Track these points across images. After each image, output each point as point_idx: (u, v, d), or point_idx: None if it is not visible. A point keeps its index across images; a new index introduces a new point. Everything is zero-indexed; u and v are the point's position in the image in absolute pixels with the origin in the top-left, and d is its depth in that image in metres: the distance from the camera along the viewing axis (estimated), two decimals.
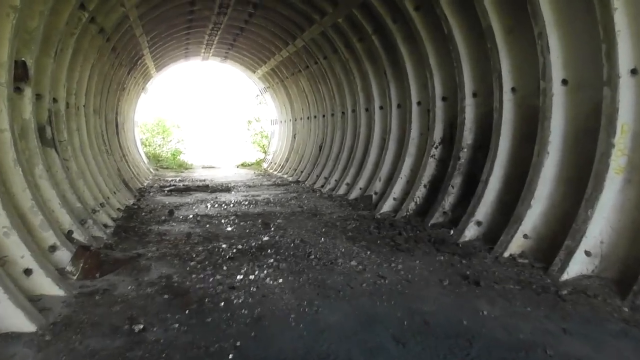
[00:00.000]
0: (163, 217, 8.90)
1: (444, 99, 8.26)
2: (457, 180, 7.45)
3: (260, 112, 24.67)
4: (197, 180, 16.24)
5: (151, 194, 12.58)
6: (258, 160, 23.40)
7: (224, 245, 6.62)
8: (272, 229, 7.85)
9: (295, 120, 18.45)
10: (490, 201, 6.57)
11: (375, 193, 10.11)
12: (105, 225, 7.76)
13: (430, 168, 8.34)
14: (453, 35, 7.26)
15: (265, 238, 7.09)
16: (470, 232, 6.56)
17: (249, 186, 14.50)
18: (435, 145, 8.33)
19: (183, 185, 14.41)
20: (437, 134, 8.33)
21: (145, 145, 23.34)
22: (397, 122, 10.05)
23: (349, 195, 11.06)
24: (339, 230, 7.68)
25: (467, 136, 7.44)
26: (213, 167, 22.87)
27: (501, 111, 6.54)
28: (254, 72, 20.47)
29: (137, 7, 9.88)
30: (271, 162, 21.17)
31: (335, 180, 12.67)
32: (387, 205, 9.13)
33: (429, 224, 7.41)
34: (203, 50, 19.00)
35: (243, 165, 23.37)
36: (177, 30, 14.25)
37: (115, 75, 12.33)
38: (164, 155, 23.17)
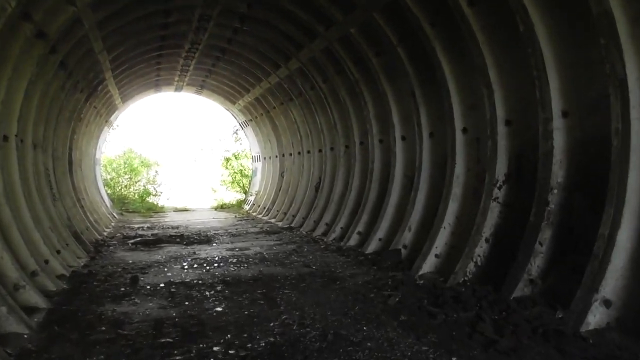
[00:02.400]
0: (122, 289, 6.36)
1: (507, 122, 6.15)
2: (546, 235, 5.24)
3: (239, 147, 22.38)
4: (169, 228, 13.66)
5: (111, 247, 9.98)
6: (238, 201, 20.93)
7: (215, 350, 4.17)
8: (282, 308, 5.43)
9: (283, 156, 16.20)
10: (622, 268, 4.36)
11: (404, 247, 7.82)
12: (33, 310, 5.21)
13: (492, 215, 6.13)
14: (534, 32, 5.21)
15: (278, 330, 4.68)
16: (596, 316, 4.31)
17: (233, 235, 12.03)
18: (498, 185, 6.16)
19: (152, 235, 11.83)
20: (500, 169, 6.17)
21: (110, 187, 20.63)
22: (429, 155, 7.88)
23: (364, 248, 8.74)
24: (379, 308, 5.32)
25: (557, 172, 5.29)
26: (187, 210, 20.27)
27: (628, 133, 4.43)
28: (234, 103, 18.28)
29: (93, 9, 7.60)
30: (254, 204, 18.75)
31: (342, 228, 10.35)
32: (428, 265, 6.84)
33: (511, 297, 5.13)
34: (177, 78, 16.76)
35: (221, 207, 20.83)
36: (147, 49, 11.98)
37: (68, 100, 9.89)
38: (130, 197, 20.47)
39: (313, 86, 11.69)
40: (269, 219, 15.50)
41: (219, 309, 5.47)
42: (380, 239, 8.65)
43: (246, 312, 5.29)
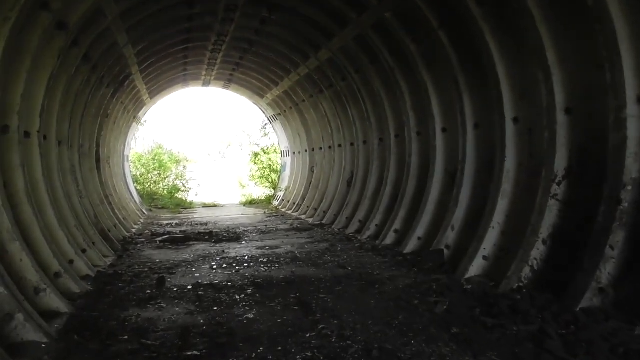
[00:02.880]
0: (148, 291, 6.01)
1: (567, 111, 5.51)
2: (618, 238, 4.62)
3: (268, 142, 22.02)
4: (197, 224, 13.38)
5: (139, 245, 9.71)
6: (267, 197, 20.58)
7: None
8: (319, 315, 4.97)
9: (313, 150, 15.73)
10: None
11: (447, 247, 7.25)
12: (53, 315, 4.90)
13: (550, 214, 5.51)
14: (606, 4, 4.57)
15: (316, 342, 4.21)
16: None
17: (263, 232, 11.64)
18: (557, 181, 5.53)
19: (180, 232, 11.55)
20: (559, 163, 5.54)
21: (139, 183, 20.57)
22: (474, 149, 7.27)
23: (402, 248, 8.19)
24: (426, 318, 4.79)
25: (631, 166, 4.65)
26: (216, 206, 20.06)
27: None
28: (262, 97, 17.90)
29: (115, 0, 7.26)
30: (283, 200, 18.36)
31: (377, 225, 9.82)
32: (476, 268, 6.27)
33: (578, 308, 4.53)
34: (204, 73, 16.47)
35: (250, 203, 20.53)
36: (173, 43, 11.65)
37: (94, 96, 9.63)
38: (159, 193, 20.36)
39: (345, 77, 11.16)
40: (299, 215, 15.08)
41: (250, 315, 5.04)
42: (419, 238, 8.09)
43: (279, 320, 4.84)
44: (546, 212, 5.52)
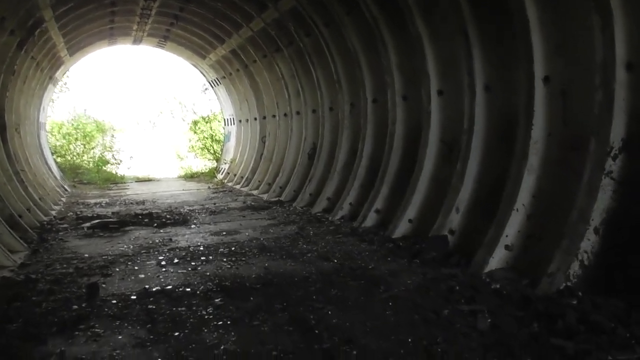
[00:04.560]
0: (76, 306, 4.34)
1: (629, 67, 4.35)
2: None
3: (209, 109, 19.97)
4: (132, 203, 11.49)
5: (61, 234, 7.83)
6: (210, 169, 18.71)
7: None
8: (326, 341, 3.58)
9: (264, 118, 14.08)
10: None
11: (451, 232, 6.05)
12: None
13: (604, 196, 4.39)
14: None
15: None
16: None
17: (213, 212, 10.02)
18: (612, 154, 4.40)
19: (113, 213, 9.67)
20: (616, 132, 4.40)
21: (60, 155, 18.00)
22: (484, 115, 6.04)
23: (389, 232, 6.93)
24: (473, 340, 3.53)
25: None
26: (151, 180, 17.97)
27: None
28: (204, 57, 15.91)
29: None
30: (228, 173, 16.64)
31: (351, 204, 8.50)
32: (497, 259, 5.11)
33: None
34: (135, 27, 14.23)
35: (190, 176, 18.58)
36: None
37: None
38: (84, 166, 17.93)
39: (310, 32, 9.60)
40: (250, 190, 13.50)
41: (228, 345, 3.56)
42: (410, 221, 6.86)
43: (275, 353, 3.41)
44: (599, 193, 4.39)
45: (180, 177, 19.06)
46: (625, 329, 3.40)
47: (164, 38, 15.97)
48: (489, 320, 3.84)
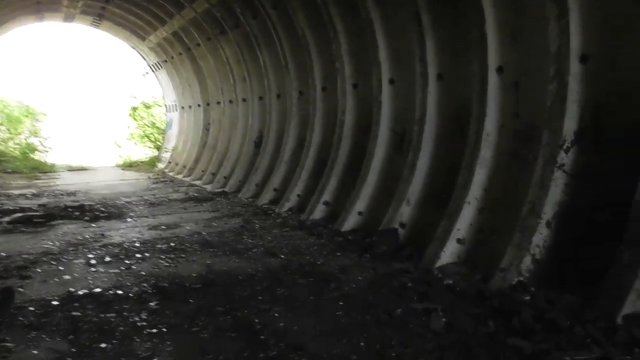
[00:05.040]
0: None
1: (583, 58, 4.27)
2: None
3: (150, 95, 19.02)
4: (62, 194, 10.66)
5: None
6: (151, 158, 17.84)
7: None
8: (272, 349, 3.27)
9: (209, 105, 13.49)
10: None
11: (402, 225, 5.88)
12: None
13: (556, 190, 4.32)
14: None
15: None
16: None
17: (152, 204, 9.44)
18: (564, 147, 4.33)
19: (39, 205, 8.88)
20: (569, 124, 4.32)
21: None
22: (436, 105, 5.88)
23: (338, 225, 6.70)
24: (429, 341, 3.33)
25: None
26: (85, 169, 16.90)
27: None
28: (144, 39, 15.05)
29: None
30: (170, 162, 15.90)
31: (299, 195, 8.21)
32: (449, 254, 4.98)
33: (617, 319, 3.37)
34: (66, 3, 13.21)
35: (130, 165, 17.65)
36: None
37: None
38: (8, 153, 16.59)
39: (256, 14, 9.15)
40: (193, 180, 12.91)
41: (162, 358, 3.18)
42: (360, 213, 6.64)
43: None
44: (551, 186, 4.31)
45: (118, 166, 18.08)
46: (581, 326, 3.30)
47: (98, 16, 14.98)
48: (444, 319, 3.66)
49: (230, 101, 11.88)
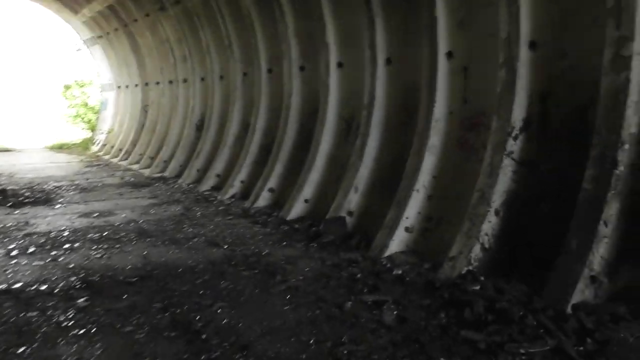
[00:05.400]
0: None
1: (532, 45, 4.25)
2: (612, 211, 3.55)
3: (84, 72, 17.86)
4: None
5: None
6: (84, 140, 16.82)
7: None
8: (215, 349, 3.04)
9: (147, 85, 12.80)
10: None
11: (350, 213, 5.75)
12: None
13: (504, 178, 4.30)
14: None
15: None
16: None
17: (85, 189, 8.84)
18: (514, 135, 4.31)
19: None
20: (517, 112, 4.31)
21: None
22: (385, 90, 5.76)
23: (284, 213, 6.50)
24: (381, 337, 3.21)
25: (631, 118, 3.56)
26: (10, 151, 15.70)
27: None
28: (77, 12, 14.04)
29: None
30: (105, 145, 15.04)
31: (243, 182, 7.91)
32: (397, 242, 4.91)
33: (567, 308, 3.39)
34: None
35: (60, 147, 16.56)
36: None
37: None
38: None
39: None
40: (130, 164, 12.25)
41: None
42: (306, 201, 6.46)
43: None
44: (500, 174, 4.30)
45: (47, 148, 16.90)
46: (533, 316, 3.28)
47: None
48: (395, 312, 3.56)
49: (170, 81, 11.31)
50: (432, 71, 5.04)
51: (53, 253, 4.95)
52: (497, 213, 4.29)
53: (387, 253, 4.85)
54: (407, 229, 4.97)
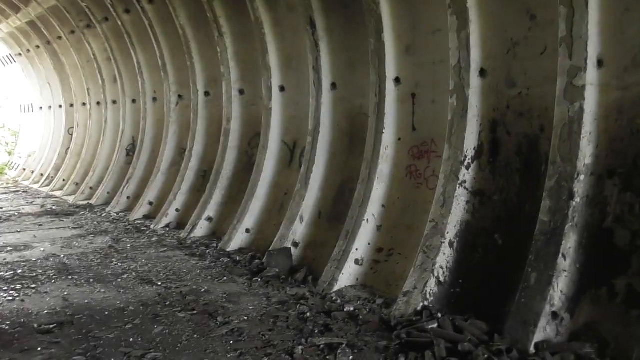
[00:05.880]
0: None
1: (482, 73, 4.21)
2: (570, 244, 3.46)
3: (3, 92, 16.48)
4: None
5: None
6: (1, 164, 15.44)
7: None
8: None
9: (72, 106, 11.96)
10: None
11: (295, 244, 5.44)
12: None
13: (458, 207, 4.17)
14: None
15: None
16: None
17: None
18: (466, 163, 4.21)
19: None
20: (469, 141, 4.21)
21: None
22: (330, 116, 5.55)
23: (224, 244, 6.09)
24: None
25: (585, 149, 3.53)
26: None
27: None
28: None
29: None
30: (25, 170, 13.87)
31: (178, 210, 7.41)
32: (347, 276, 4.66)
33: (530, 347, 3.24)
34: None
35: None
36: None
37: None
38: None
39: (130, 8, 8.19)
40: (52, 191, 11.30)
41: None
42: (248, 230, 6.10)
43: None
44: (453, 204, 4.17)
45: None
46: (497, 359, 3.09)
47: None
48: (351, 357, 3.26)
49: (98, 103, 10.61)
50: (379, 97, 4.90)
51: None
52: (451, 245, 4.14)
53: (337, 287, 4.58)
54: (356, 262, 4.73)
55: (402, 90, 4.88)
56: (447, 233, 4.13)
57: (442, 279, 4.07)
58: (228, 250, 5.94)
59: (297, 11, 5.64)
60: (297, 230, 5.47)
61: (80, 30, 9.80)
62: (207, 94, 7.50)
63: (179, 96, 8.11)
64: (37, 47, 12.17)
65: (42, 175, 12.50)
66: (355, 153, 5.31)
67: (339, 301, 4.32)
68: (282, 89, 6.21)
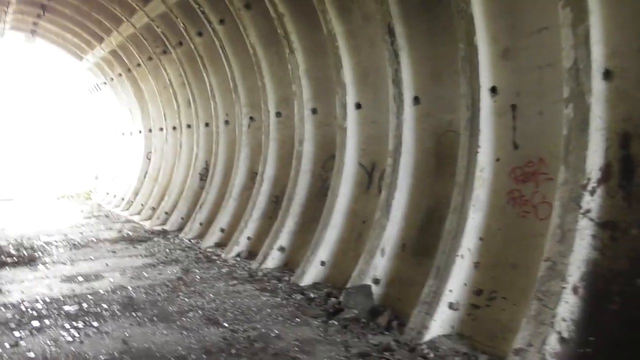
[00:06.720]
0: None
1: (607, 75, 3.39)
2: None
3: (89, 119, 17.32)
4: None
5: None
6: (87, 189, 16.13)
7: None
8: None
9: (150, 131, 12.14)
10: None
11: (376, 281, 4.78)
12: None
13: (582, 243, 3.35)
14: None
15: None
16: None
17: (76, 245, 8.02)
18: (589, 188, 3.39)
19: None
20: (593, 160, 3.40)
21: None
22: (415, 133, 4.89)
23: (296, 277, 5.55)
24: None
25: None
26: (11, 200, 15.05)
27: None
28: (82, 58, 13.64)
29: None
30: (107, 194, 14.32)
31: (249, 238, 7.01)
32: (441, 323, 3.93)
33: None
34: None
35: (63, 196, 15.87)
36: None
37: None
38: None
39: (202, 30, 8.06)
40: (131, 215, 11.44)
41: None
42: (323, 263, 5.53)
43: None
44: (576, 239, 3.34)
45: (50, 197, 16.22)
46: None
47: (31, 33, 13.49)
48: None
49: (174, 127, 10.63)
50: (472, 110, 4.18)
51: (15, 335, 4.05)
52: (575, 290, 3.30)
53: (428, 337, 3.87)
54: (450, 306, 3.99)
55: (500, 101, 4.13)
56: (570, 276, 3.30)
57: (565, 334, 3.23)
58: (301, 285, 5.39)
59: (374, 20, 5.08)
60: (378, 265, 4.82)
61: (157, 56, 9.89)
62: (278, 114, 7.10)
63: (251, 118, 7.79)
64: (120, 75, 12.56)
65: (122, 199, 12.79)
66: (444, 176, 4.61)
67: (431, 355, 3.61)
68: (358, 106, 5.65)
